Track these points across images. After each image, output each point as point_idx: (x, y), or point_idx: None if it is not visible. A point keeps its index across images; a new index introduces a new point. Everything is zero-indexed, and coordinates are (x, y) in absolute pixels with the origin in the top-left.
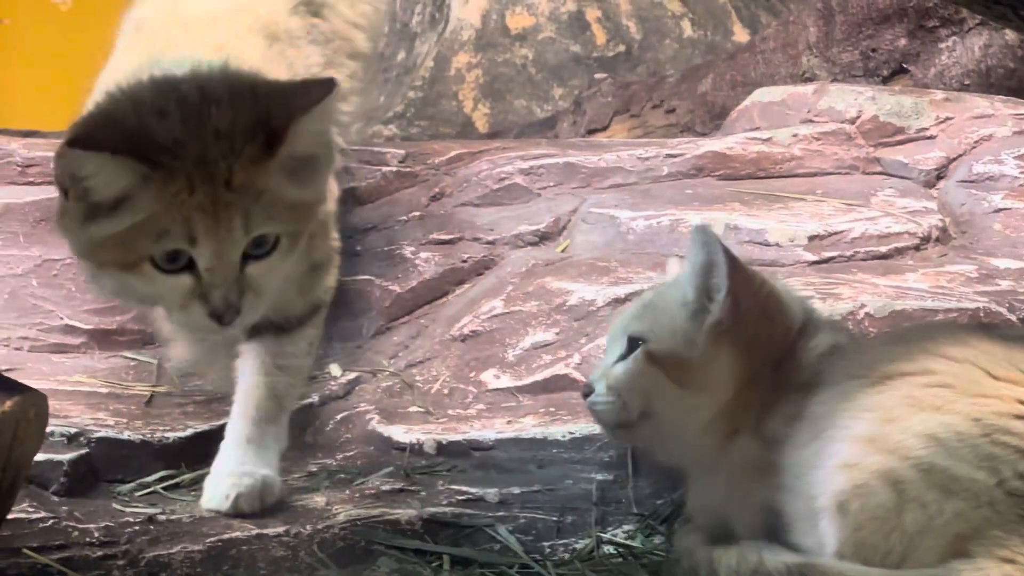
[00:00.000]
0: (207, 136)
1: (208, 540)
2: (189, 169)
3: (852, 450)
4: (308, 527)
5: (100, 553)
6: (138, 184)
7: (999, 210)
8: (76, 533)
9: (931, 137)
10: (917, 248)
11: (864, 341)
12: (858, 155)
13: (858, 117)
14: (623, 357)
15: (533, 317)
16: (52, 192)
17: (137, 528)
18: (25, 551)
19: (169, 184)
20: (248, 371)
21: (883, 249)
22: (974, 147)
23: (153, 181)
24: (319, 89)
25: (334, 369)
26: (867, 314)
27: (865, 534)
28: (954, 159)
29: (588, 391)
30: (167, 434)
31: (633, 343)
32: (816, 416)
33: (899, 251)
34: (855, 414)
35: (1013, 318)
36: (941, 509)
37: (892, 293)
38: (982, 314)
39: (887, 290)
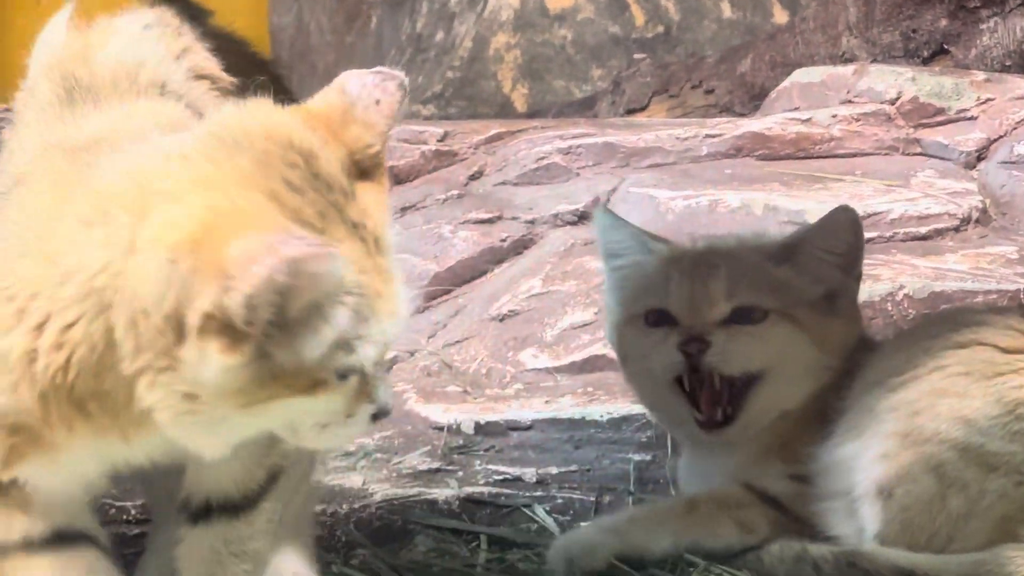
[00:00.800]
0: None
1: None
2: None
3: (888, 444)
4: (345, 506)
5: (137, 531)
6: None
7: None
8: (113, 511)
9: (972, 118)
10: (957, 229)
11: (881, 342)
12: (898, 136)
13: (898, 98)
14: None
15: (572, 297)
16: None
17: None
18: None
19: None
20: (194, 564)
21: (923, 230)
22: (1015, 128)
23: None
24: None
25: None
26: (906, 295)
27: (911, 515)
28: (995, 140)
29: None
30: None
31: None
32: (845, 426)
33: (939, 232)
34: (882, 416)
35: None
36: (983, 489)
37: (931, 274)
38: (1023, 296)
39: (926, 271)
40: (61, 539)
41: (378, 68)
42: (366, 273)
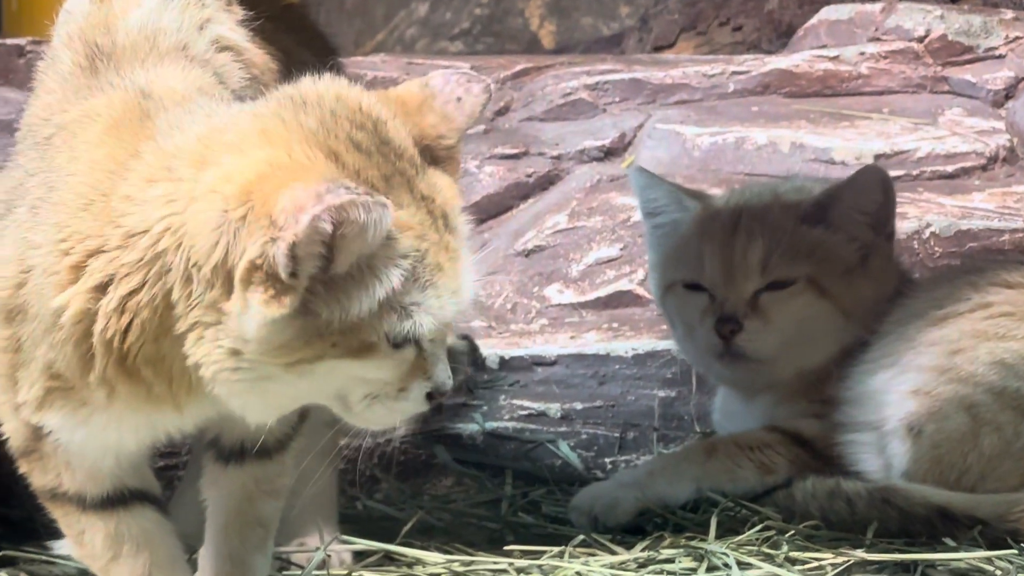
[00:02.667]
0: None
1: None
2: None
3: (922, 378)
4: (369, 440)
5: (160, 464)
6: None
7: None
8: None
9: (1000, 56)
10: (984, 168)
11: (918, 280)
12: (926, 74)
13: (926, 35)
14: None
15: (597, 232)
16: None
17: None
18: None
19: None
20: (225, 498)
21: (950, 169)
22: None
23: None
24: None
25: None
26: (933, 234)
27: (942, 452)
28: (1023, 79)
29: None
30: None
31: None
32: (880, 352)
33: (966, 171)
34: (921, 349)
35: None
36: (1018, 431)
37: (958, 213)
38: None
39: (953, 210)
40: (115, 501)
41: (465, 69)
42: (429, 243)
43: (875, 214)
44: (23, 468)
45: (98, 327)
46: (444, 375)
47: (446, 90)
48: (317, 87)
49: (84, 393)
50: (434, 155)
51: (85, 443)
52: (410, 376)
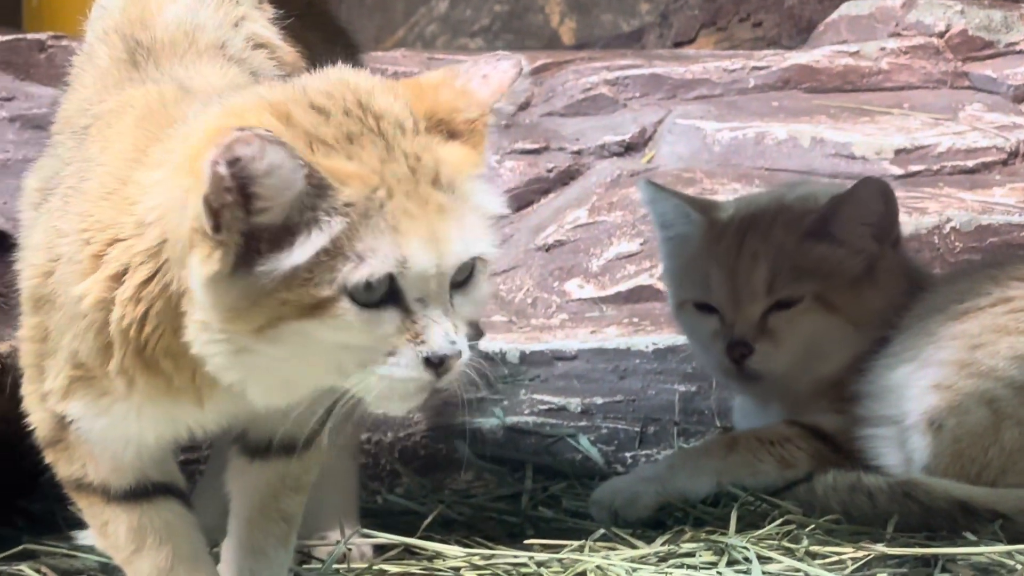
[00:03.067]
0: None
1: None
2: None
3: (943, 373)
4: (389, 435)
5: (182, 457)
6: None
7: None
8: None
9: (1021, 51)
10: (1005, 163)
11: (937, 276)
12: (946, 69)
13: (947, 31)
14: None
15: (618, 227)
16: None
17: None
18: None
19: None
20: (250, 492)
21: (970, 163)
22: None
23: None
24: None
25: None
26: (953, 228)
27: (963, 447)
28: None
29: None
30: None
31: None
32: (901, 347)
33: (986, 166)
34: (941, 343)
35: None
36: None
37: (978, 208)
38: None
39: (973, 205)
40: (138, 494)
41: (502, 52)
42: (395, 193)
43: (877, 224)
44: (49, 458)
45: (115, 316)
46: (441, 338)
47: (472, 70)
48: (324, 71)
49: (105, 383)
50: (451, 128)
51: (106, 434)
52: (397, 339)
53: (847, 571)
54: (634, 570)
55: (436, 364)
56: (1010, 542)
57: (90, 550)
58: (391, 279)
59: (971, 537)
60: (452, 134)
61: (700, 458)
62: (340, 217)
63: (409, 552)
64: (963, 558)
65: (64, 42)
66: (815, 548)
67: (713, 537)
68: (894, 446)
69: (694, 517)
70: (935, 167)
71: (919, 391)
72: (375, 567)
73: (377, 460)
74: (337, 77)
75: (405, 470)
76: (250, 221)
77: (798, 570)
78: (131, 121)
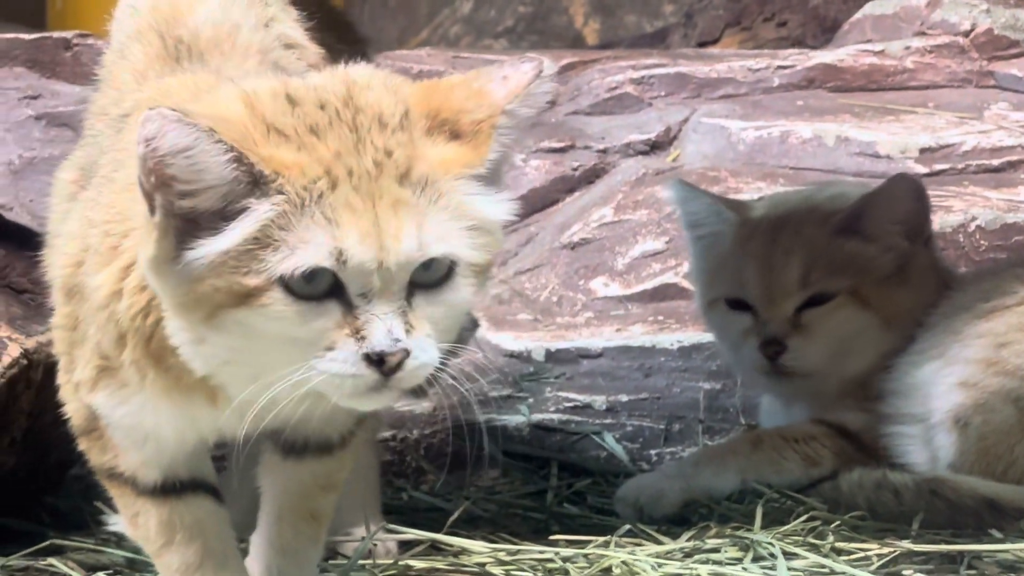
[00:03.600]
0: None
1: None
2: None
3: (969, 371)
4: (415, 432)
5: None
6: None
7: None
8: None
9: None
10: None
11: (963, 275)
12: (971, 68)
13: (972, 30)
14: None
15: (643, 226)
16: None
17: None
18: None
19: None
20: (281, 490)
21: (995, 162)
22: None
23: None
24: None
25: None
26: (978, 227)
27: (989, 444)
28: None
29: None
30: None
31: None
32: (927, 344)
33: (1011, 165)
34: (967, 341)
35: None
36: None
37: (1004, 206)
38: None
39: (999, 203)
40: (167, 490)
41: (530, 54)
42: (342, 185)
43: (909, 222)
44: (83, 446)
45: (123, 306)
46: (381, 335)
47: (493, 71)
48: (337, 67)
49: (123, 374)
50: (456, 129)
51: (126, 426)
52: (335, 333)
53: (873, 567)
54: (660, 565)
55: (378, 362)
56: None
57: (117, 544)
58: (332, 273)
59: (997, 535)
60: (456, 134)
61: (725, 456)
62: (271, 205)
63: (435, 548)
64: (989, 555)
65: (90, 40)
66: (840, 544)
67: (738, 533)
68: (919, 444)
69: (719, 514)
70: (960, 166)
71: (945, 389)
72: (400, 563)
73: (403, 457)
74: (340, 72)
75: (431, 467)
76: (176, 205)
77: (823, 566)
78: None
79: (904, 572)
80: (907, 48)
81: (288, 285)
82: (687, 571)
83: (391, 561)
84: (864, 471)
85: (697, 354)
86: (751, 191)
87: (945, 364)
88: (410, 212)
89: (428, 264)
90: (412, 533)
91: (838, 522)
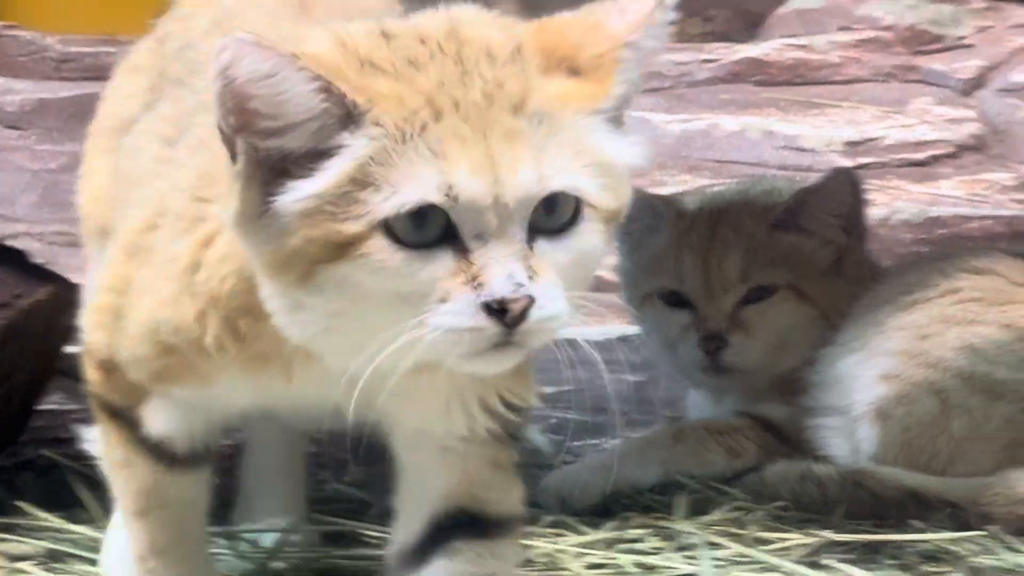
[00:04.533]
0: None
1: None
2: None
3: (891, 363)
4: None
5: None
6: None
7: None
8: None
9: (969, 46)
10: (953, 156)
11: (887, 267)
12: (896, 63)
13: (897, 24)
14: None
15: None
16: (88, 87)
17: None
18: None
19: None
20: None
21: (919, 156)
22: (1012, 56)
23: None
24: None
25: None
26: (901, 220)
27: (911, 436)
28: (992, 68)
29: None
30: None
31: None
32: (849, 337)
33: (935, 159)
34: (890, 333)
35: None
36: (988, 415)
37: (927, 200)
38: (1017, 222)
39: (922, 197)
40: (174, 458)
41: None
42: (451, 116)
43: (847, 216)
44: (91, 375)
45: (201, 275)
46: (501, 280)
47: (610, 5)
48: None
49: (203, 363)
50: (574, 65)
51: (181, 400)
52: (449, 282)
53: (794, 557)
54: (583, 555)
55: (498, 311)
56: (958, 530)
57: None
58: (442, 213)
59: (919, 525)
60: (574, 71)
61: (648, 448)
62: (368, 140)
63: (356, 539)
64: (910, 545)
65: (16, 32)
66: (763, 534)
67: (661, 523)
68: (842, 436)
69: (642, 505)
70: (884, 159)
71: (867, 381)
72: (321, 553)
73: (325, 449)
74: (445, 11)
75: (354, 459)
76: (261, 147)
77: (745, 555)
78: None
79: (826, 562)
80: (832, 42)
81: (392, 231)
82: (609, 561)
83: (312, 553)
84: (788, 463)
85: (621, 346)
86: (676, 184)
87: (867, 356)
88: (526, 143)
89: (551, 206)
90: (334, 523)
91: (761, 512)
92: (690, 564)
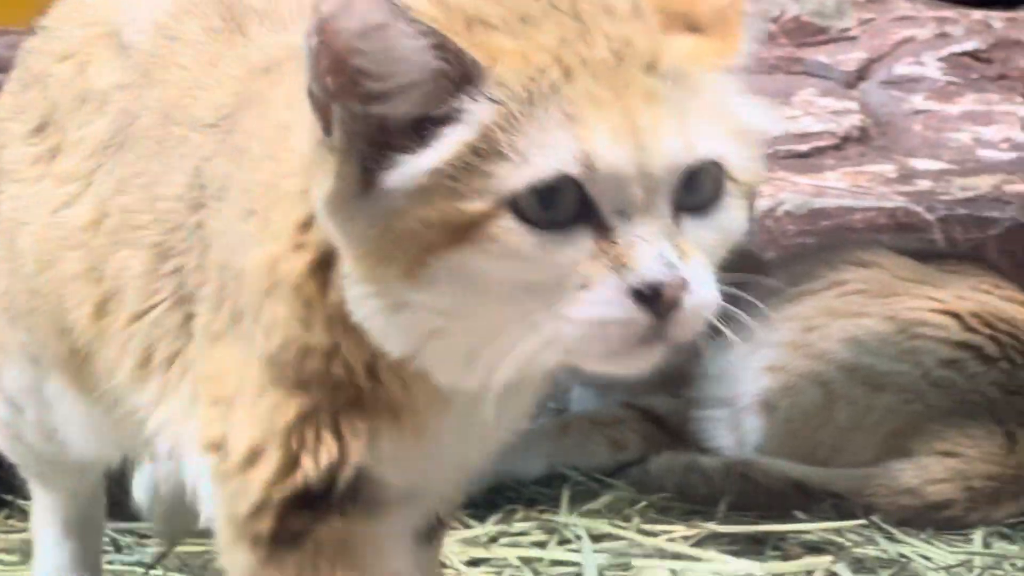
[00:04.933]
0: None
1: None
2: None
3: (777, 354)
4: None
5: None
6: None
7: (919, 112)
8: None
9: (853, 38)
10: (837, 148)
11: (772, 259)
12: (780, 54)
13: (780, 16)
14: None
15: None
16: None
17: None
18: None
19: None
20: None
21: (803, 148)
22: (895, 49)
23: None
24: None
25: None
26: (786, 212)
27: (796, 427)
28: (875, 60)
29: None
30: None
31: None
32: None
33: (819, 150)
34: (775, 325)
35: (931, 218)
36: (871, 405)
37: (811, 191)
38: (900, 214)
39: (806, 188)
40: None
41: None
42: (582, 76)
43: None
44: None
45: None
46: (653, 260)
47: None
48: None
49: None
50: (693, 21)
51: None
52: (590, 266)
53: (678, 548)
54: (465, 550)
55: (650, 297)
56: (841, 520)
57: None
58: (577, 187)
59: (801, 516)
60: (695, 27)
61: (533, 440)
62: (491, 103)
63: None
64: (793, 536)
65: None
66: (647, 526)
67: (545, 516)
68: (728, 428)
69: (527, 497)
70: (768, 151)
71: (753, 373)
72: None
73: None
74: None
75: None
76: (364, 114)
77: (629, 547)
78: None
79: (710, 553)
80: None
81: (521, 210)
82: (493, 556)
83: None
84: (673, 454)
85: None
86: None
87: (753, 348)
88: (667, 105)
89: (694, 180)
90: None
91: (644, 504)
92: (573, 556)
